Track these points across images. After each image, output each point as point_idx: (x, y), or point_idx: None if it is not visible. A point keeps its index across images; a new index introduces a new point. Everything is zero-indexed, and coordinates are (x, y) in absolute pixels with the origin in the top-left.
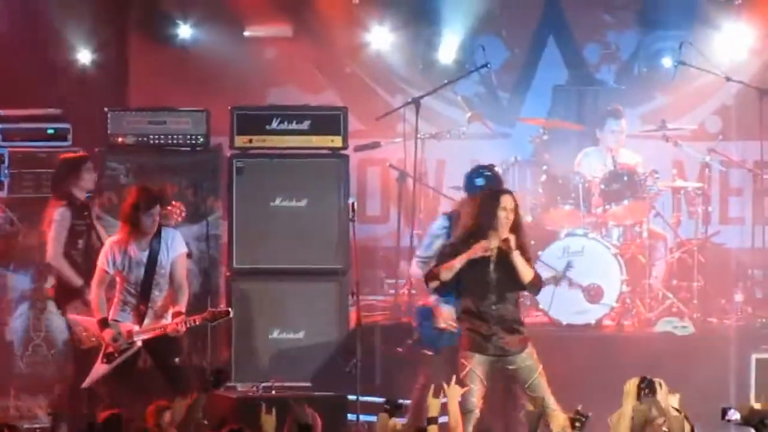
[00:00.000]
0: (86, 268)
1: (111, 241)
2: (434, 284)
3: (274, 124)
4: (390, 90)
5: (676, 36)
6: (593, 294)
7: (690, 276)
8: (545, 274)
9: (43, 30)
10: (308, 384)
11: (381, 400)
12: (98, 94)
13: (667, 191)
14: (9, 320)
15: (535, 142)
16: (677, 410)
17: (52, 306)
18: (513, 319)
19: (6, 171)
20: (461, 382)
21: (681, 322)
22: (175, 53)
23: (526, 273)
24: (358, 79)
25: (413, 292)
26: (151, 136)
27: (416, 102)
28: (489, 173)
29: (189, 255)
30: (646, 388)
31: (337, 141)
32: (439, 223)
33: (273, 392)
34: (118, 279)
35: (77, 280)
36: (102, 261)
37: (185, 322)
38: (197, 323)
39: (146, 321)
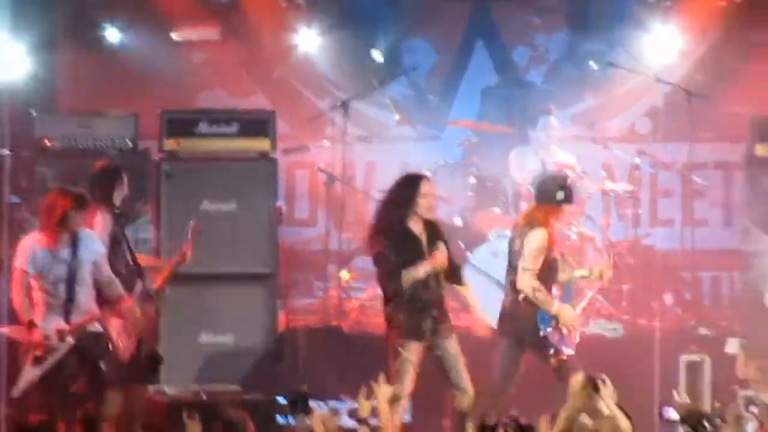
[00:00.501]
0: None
1: (28, 240)
2: None
3: (203, 128)
4: (318, 93)
5: (605, 38)
6: None
7: (619, 278)
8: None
9: None
10: (237, 387)
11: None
12: (26, 98)
13: (597, 194)
14: None
15: (465, 145)
16: (620, 408)
17: None
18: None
19: None
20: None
21: (611, 324)
22: (103, 57)
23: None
24: (287, 82)
25: (342, 295)
26: (79, 141)
27: (345, 105)
28: (568, 188)
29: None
30: (590, 384)
31: (265, 144)
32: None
33: (203, 396)
34: (33, 281)
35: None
36: (21, 261)
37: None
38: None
39: (73, 319)
